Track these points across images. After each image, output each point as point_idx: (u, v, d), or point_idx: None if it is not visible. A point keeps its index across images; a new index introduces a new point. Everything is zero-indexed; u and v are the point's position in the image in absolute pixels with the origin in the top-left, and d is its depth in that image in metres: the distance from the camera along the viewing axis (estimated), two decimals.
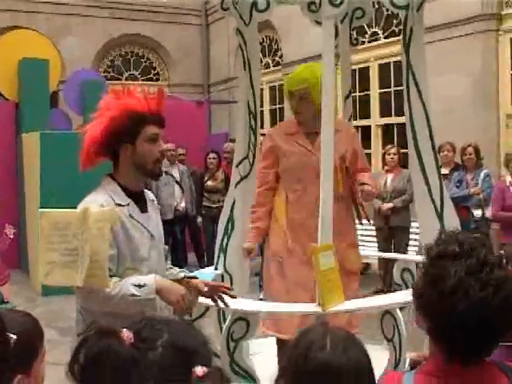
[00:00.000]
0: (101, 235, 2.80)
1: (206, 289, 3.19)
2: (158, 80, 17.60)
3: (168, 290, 2.89)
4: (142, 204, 3.15)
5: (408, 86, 4.33)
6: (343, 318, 4.22)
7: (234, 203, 4.59)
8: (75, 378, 1.53)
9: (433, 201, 4.26)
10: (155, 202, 3.33)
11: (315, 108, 4.42)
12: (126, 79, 17.20)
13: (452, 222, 4.26)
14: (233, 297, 3.32)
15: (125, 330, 1.55)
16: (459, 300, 1.75)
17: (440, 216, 4.25)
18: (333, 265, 3.48)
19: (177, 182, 10.39)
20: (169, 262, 3.45)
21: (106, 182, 3.13)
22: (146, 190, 3.30)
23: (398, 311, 3.66)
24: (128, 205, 3.06)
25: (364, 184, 4.52)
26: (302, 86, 4.48)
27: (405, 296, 3.98)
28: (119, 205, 3.02)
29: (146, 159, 3.06)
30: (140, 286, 2.83)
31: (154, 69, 17.70)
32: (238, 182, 4.58)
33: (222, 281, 4.43)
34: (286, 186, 4.62)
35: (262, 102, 14.82)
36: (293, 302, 4.03)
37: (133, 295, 2.81)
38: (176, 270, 3.36)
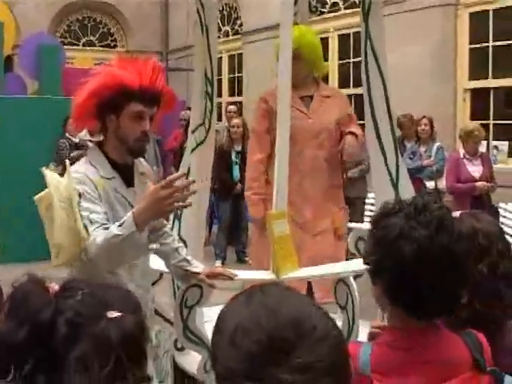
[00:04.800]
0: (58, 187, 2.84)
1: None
2: (115, 47, 17.37)
3: (147, 209, 2.72)
4: (128, 178, 3.12)
5: (366, 57, 4.33)
6: (327, 286, 4.27)
7: (189, 170, 4.55)
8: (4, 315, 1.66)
9: (388, 171, 4.28)
10: (148, 174, 3.28)
11: (309, 68, 4.60)
12: (83, 45, 16.95)
13: (407, 191, 4.28)
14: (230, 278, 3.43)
15: (53, 283, 1.66)
16: (405, 243, 1.77)
17: (395, 186, 4.27)
18: (287, 232, 3.49)
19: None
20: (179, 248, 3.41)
21: (92, 151, 3.12)
22: (141, 161, 3.26)
23: (352, 279, 3.68)
24: (113, 178, 3.03)
25: (349, 134, 4.57)
26: (294, 46, 4.29)
27: (358, 264, 4.01)
28: (104, 177, 2.98)
29: (128, 136, 3.02)
30: (121, 224, 2.73)
31: (112, 35, 17.47)
32: (194, 149, 4.54)
33: None
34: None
35: (220, 70, 14.72)
36: None
37: (116, 236, 2.70)
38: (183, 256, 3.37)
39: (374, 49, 4.30)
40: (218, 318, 1.28)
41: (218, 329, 1.26)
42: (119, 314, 1.55)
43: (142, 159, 3.29)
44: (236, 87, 15.00)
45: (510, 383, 1.88)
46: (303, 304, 1.22)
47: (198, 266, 3.39)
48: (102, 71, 3.05)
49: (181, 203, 2.78)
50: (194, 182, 2.99)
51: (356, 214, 8.70)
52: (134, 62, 3.08)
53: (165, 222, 3.38)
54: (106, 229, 2.80)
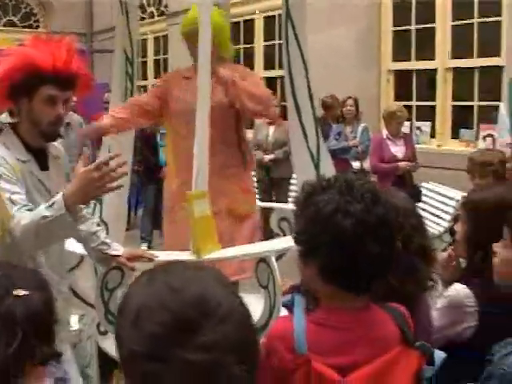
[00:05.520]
0: None
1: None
2: (38, 27, 16.97)
3: (78, 191, 2.65)
4: (43, 161, 3.04)
5: (287, 39, 4.33)
6: (233, 264, 4.24)
7: (109, 152, 4.49)
8: None
9: (310, 150, 4.31)
10: (61, 158, 3.21)
11: (213, 49, 4.22)
12: (4, 25, 16.51)
13: (328, 171, 4.32)
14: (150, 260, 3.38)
15: None
16: (342, 218, 1.75)
17: (316, 165, 4.31)
18: (207, 212, 3.47)
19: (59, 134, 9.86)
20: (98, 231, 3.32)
21: (6, 133, 3.01)
22: (55, 144, 3.19)
23: (273, 259, 3.68)
24: (29, 161, 2.96)
25: None
26: (196, 26, 4.18)
27: (279, 243, 4.03)
28: (19, 160, 2.91)
29: (41, 119, 2.95)
30: (50, 206, 2.65)
31: (35, 15, 17.05)
32: None
33: None
34: (174, 130, 4.55)
35: (145, 52, 14.57)
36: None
37: (44, 217, 2.62)
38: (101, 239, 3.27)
39: (295, 30, 4.30)
40: (122, 299, 1.26)
41: (121, 310, 1.23)
42: (26, 292, 1.54)
43: (55, 142, 3.23)
44: (161, 69, 14.85)
45: (441, 358, 1.91)
46: (208, 282, 1.20)
47: (117, 249, 3.35)
48: (14, 52, 2.97)
49: (112, 184, 2.74)
50: (125, 162, 2.92)
51: (282, 195, 8.76)
52: (47, 42, 2.99)
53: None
54: (30, 210, 2.74)
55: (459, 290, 2.55)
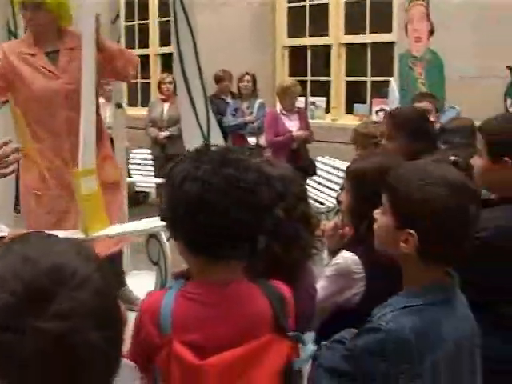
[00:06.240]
0: None
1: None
2: None
3: None
4: None
5: (175, 13, 4.28)
6: (111, 240, 4.16)
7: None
8: None
9: (199, 124, 4.32)
10: None
11: (52, 18, 4.09)
12: None
13: (218, 144, 4.33)
14: None
15: None
16: (191, 184, 1.71)
17: (206, 139, 4.33)
18: (95, 189, 3.42)
19: None
20: None
21: None
22: None
23: (163, 234, 3.67)
24: None
25: None
26: None
27: None
28: None
29: None
30: None
31: None
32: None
33: None
34: (30, 115, 4.18)
35: None
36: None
37: None
38: None
39: (183, 4, 4.27)
40: None
41: None
42: None
43: None
44: None
45: (311, 351, 1.88)
46: (65, 252, 1.17)
47: (2, 230, 3.27)
48: None
49: (3, 170, 2.66)
50: (18, 148, 2.81)
51: None
52: None
53: None
54: None
55: (347, 257, 2.57)
